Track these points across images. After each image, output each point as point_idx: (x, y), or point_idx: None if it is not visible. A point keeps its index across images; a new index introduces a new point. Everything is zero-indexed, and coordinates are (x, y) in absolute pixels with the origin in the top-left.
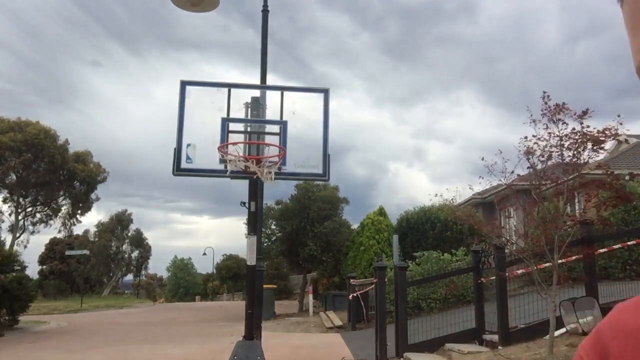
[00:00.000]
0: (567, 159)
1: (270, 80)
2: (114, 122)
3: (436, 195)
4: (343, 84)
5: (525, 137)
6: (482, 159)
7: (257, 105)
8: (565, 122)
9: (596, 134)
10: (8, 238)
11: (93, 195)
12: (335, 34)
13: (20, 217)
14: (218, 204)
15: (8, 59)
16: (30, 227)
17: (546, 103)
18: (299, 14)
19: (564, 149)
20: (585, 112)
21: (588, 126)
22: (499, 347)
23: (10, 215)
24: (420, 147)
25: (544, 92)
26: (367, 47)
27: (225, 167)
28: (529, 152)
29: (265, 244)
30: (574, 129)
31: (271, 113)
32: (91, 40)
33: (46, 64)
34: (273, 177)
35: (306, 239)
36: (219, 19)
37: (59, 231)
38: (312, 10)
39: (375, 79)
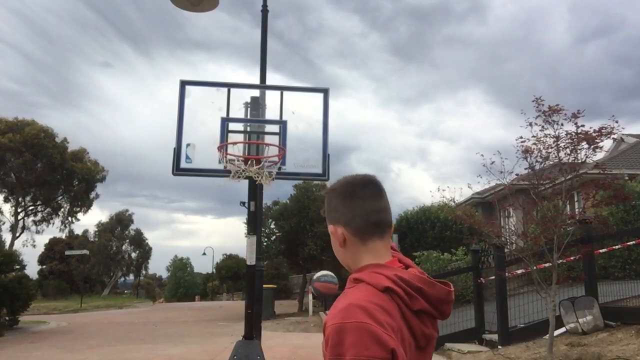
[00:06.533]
0: (564, 159)
1: (278, 80)
2: (122, 123)
3: (438, 190)
4: (350, 84)
5: (521, 138)
6: (482, 156)
7: (256, 105)
8: (559, 123)
9: (592, 133)
10: (8, 238)
11: (92, 194)
12: (344, 35)
13: (20, 217)
14: (221, 204)
15: (18, 60)
16: (33, 227)
17: (538, 108)
18: (309, 14)
19: (560, 149)
20: (576, 115)
21: (582, 125)
22: (499, 347)
23: (12, 216)
24: (424, 147)
25: (536, 97)
26: (376, 48)
27: (225, 167)
28: (526, 151)
29: (264, 244)
30: (567, 131)
31: (271, 113)
32: (101, 42)
33: (55, 65)
34: (274, 177)
35: (306, 239)
36: (229, 20)
37: (60, 230)
38: (322, 11)
39: (382, 79)
